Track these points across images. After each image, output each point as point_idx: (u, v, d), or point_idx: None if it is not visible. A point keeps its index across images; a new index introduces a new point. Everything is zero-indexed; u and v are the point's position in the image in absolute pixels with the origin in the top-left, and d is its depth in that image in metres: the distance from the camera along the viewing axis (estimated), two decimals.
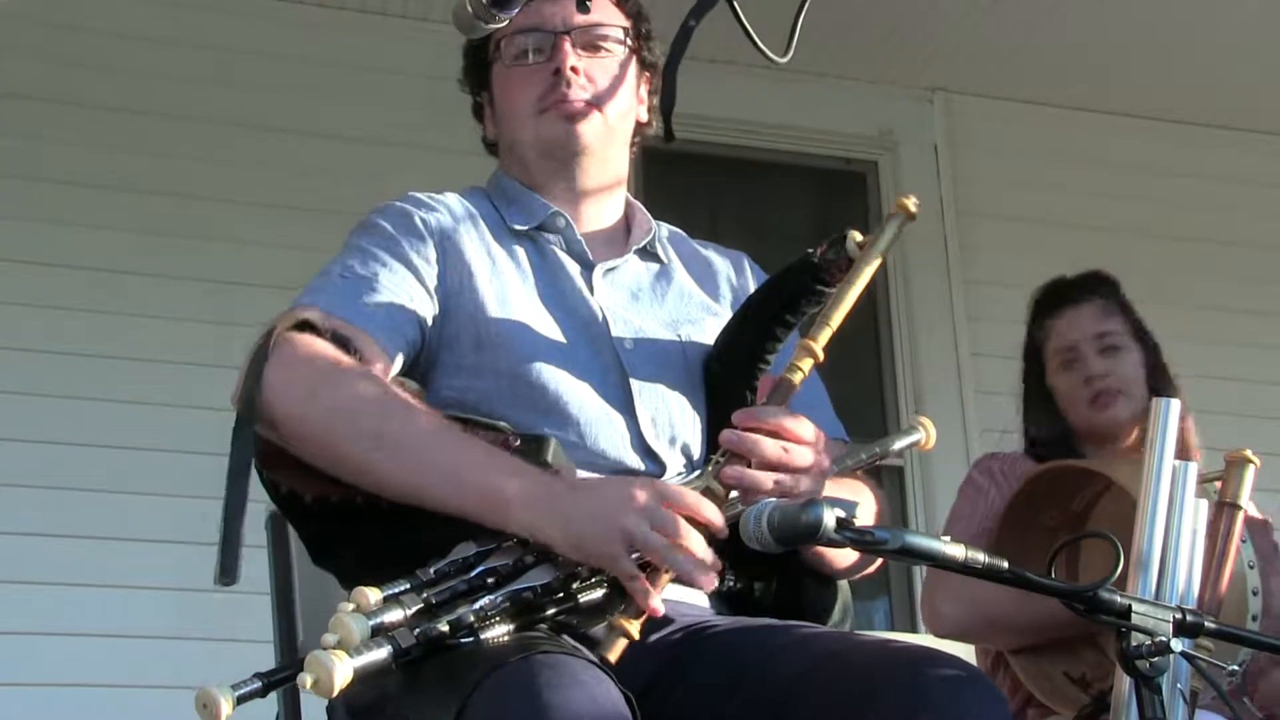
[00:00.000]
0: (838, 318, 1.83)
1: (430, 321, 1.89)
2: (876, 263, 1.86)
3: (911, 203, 1.88)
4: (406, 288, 1.87)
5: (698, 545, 1.62)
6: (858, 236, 1.86)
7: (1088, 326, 2.82)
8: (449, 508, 1.66)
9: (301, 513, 1.77)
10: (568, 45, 1.98)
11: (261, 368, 1.71)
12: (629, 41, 2.04)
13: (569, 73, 1.97)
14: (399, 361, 1.84)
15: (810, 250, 1.89)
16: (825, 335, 1.83)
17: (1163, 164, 5.22)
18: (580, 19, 1.99)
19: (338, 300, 1.82)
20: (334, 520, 1.73)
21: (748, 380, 1.91)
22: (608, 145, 2.03)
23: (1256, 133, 5.31)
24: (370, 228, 1.95)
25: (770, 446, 1.74)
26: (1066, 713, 2.51)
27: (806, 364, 1.82)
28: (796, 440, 1.75)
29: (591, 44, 2.01)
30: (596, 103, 1.99)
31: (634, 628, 1.63)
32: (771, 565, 1.83)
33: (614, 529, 1.60)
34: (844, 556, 1.91)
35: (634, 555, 1.61)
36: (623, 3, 2.06)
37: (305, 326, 1.76)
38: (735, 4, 1.76)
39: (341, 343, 1.76)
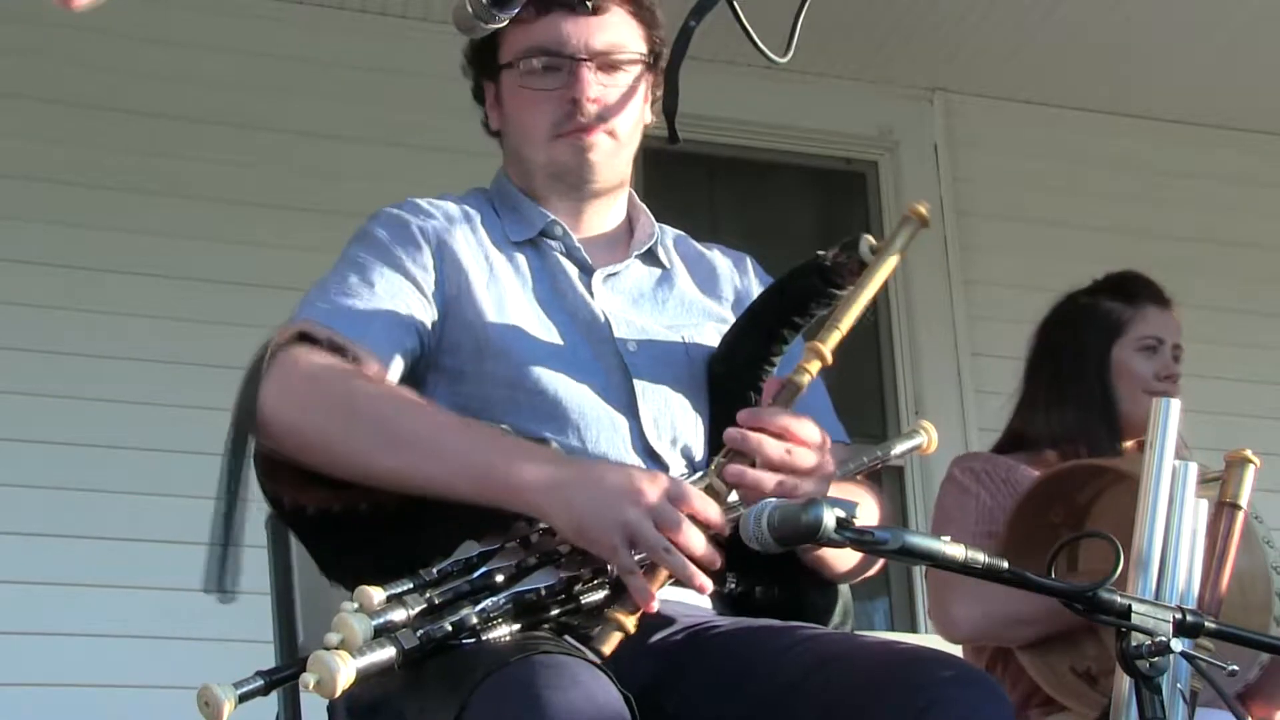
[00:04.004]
0: (848, 322, 1.83)
1: (430, 328, 1.89)
2: (889, 268, 1.86)
3: (924, 208, 1.89)
4: (404, 296, 1.87)
5: (697, 544, 1.62)
6: (871, 240, 1.86)
7: (1175, 333, 2.90)
8: (457, 493, 1.66)
9: (305, 526, 1.77)
10: (587, 74, 1.95)
11: (258, 383, 1.71)
12: (646, 57, 2.01)
13: (587, 104, 1.95)
14: (397, 369, 1.84)
15: (819, 252, 1.89)
16: (834, 339, 1.83)
17: (1163, 164, 5.21)
18: (600, 43, 1.96)
19: (333, 312, 1.82)
20: (338, 531, 1.73)
21: (752, 382, 1.91)
22: (618, 160, 2.02)
23: (1256, 133, 5.31)
24: (366, 237, 1.94)
25: (774, 447, 1.73)
26: (1077, 707, 2.51)
27: (814, 366, 1.82)
28: (801, 443, 1.75)
29: (610, 65, 1.97)
30: (611, 126, 1.97)
31: (630, 622, 1.63)
32: (773, 568, 1.83)
33: (616, 521, 1.60)
34: (844, 561, 1.91)
35: (636, 552, 1.62)
36: (640, 11, 2.01)
37: (301, 339, 1.76)
38: (735, 4, 1.75)
39: (338, 351, 1.76)
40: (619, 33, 1.98)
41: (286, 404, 1.71)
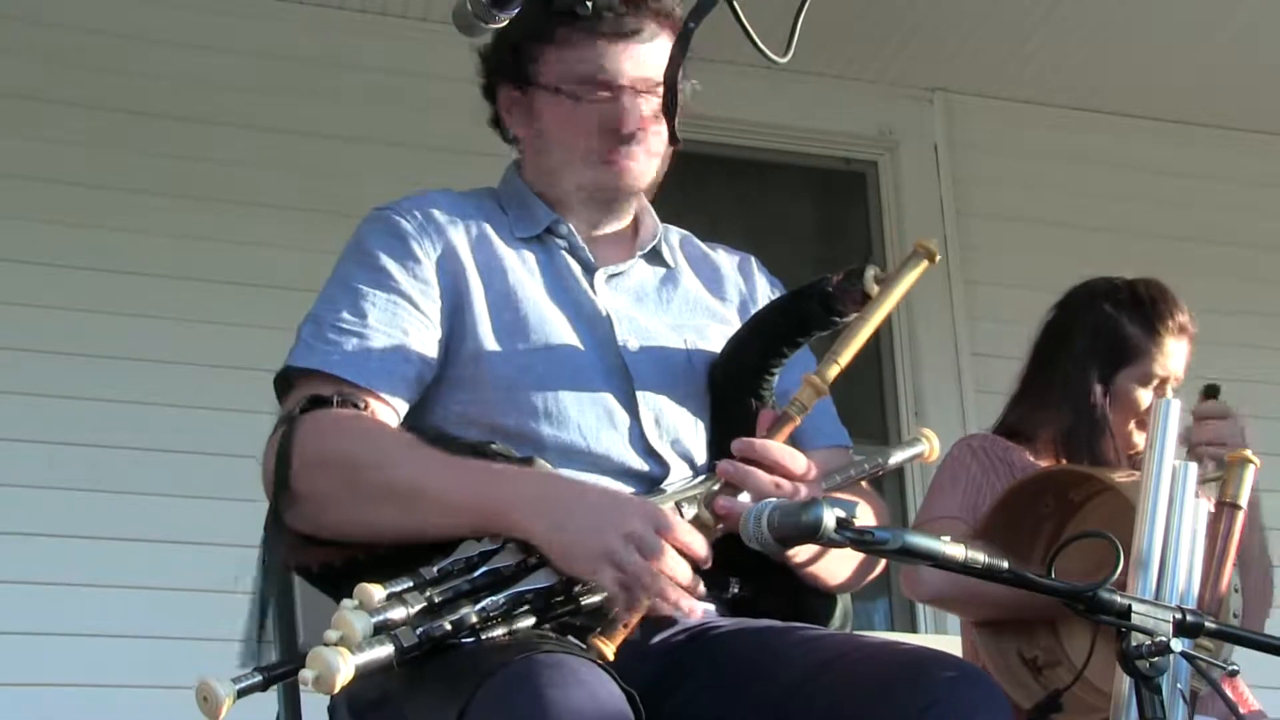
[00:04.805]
0: (847, 356, 1.87)
1: (434, 347, 1.88)
2: (893, 301, 1.89)
3: (933, 244, 1.91)
4: (400, 321, 1.86)
5: (682, 573, 1.64)
6: (877, 271, 1.88)
7: (1182, 365, 2.83)
8: (450, 533, 1.67)
9: (312, 580, 1.80)
10: (639, 105, 1.96)
11: (288, 466, 1.72)
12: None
13: (635, 133, 1.96)
14: (401, 401, 1.84)
15: (826, 276, 1.91)
16: (833, 372, 1.87)
17: (1163, 164, 5.21)
18: (646, 70, 1.96)
19: (335, 359, 1.82)
20: (342, 581, 1.74)
21: (752, 390, 1.92)
22: (648, 173, 2.04)
23: (1256, 133, 5.30)
24: (360, 255, 1.92)
25: (764, 480, 1.77)
26: (1014, 694, 2.51)
27: (810, 401, 1.85)
28: (791, 476, 1.79)
29: (650, 90, 1.98)
30: (647, 145, 1.99)
31: (609, 649, 1.64)
32: (772, 573, 1.84)
33: (600, 549, 1.62)
34: (838, 573, 1.91)
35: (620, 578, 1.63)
36: (674, 25, 1.99)
37: (315, 401, 1.77)
38: (735, 4, 1.75)
39: (343, 403, 1.77)
40: (659, 55, 1.97)
41: (303, 483, 1.72)
